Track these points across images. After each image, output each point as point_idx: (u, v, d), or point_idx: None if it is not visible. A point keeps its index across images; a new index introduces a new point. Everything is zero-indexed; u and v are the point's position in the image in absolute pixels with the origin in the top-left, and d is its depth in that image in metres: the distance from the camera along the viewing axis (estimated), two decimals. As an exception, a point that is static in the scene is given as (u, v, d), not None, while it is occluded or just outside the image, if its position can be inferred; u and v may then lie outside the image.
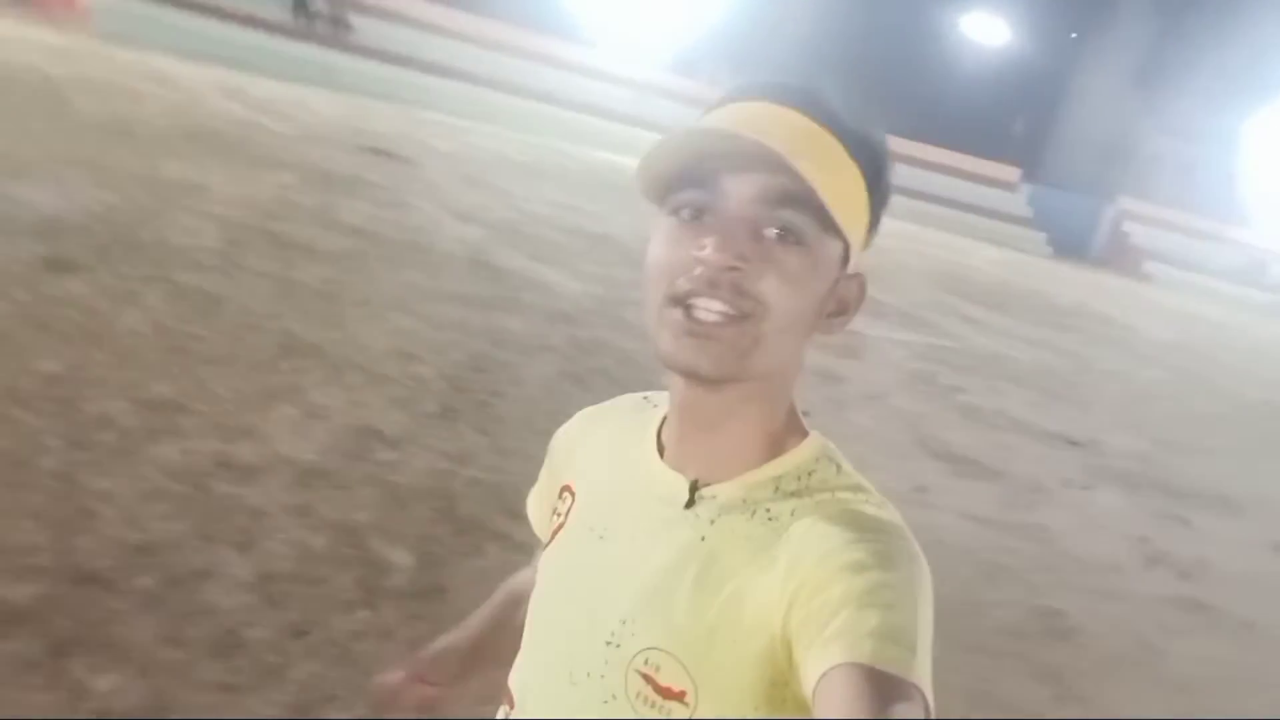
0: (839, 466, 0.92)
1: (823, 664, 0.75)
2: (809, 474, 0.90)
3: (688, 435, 0.94)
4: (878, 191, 0.91)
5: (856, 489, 0.89)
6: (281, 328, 6.02)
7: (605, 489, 1.00)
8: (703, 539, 0.89)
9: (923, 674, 0.76)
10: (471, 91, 26.85)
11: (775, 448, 0.92)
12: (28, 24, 18.86)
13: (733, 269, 0.84)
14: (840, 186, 0.85)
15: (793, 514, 0.87)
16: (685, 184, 0.87)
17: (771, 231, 0.85)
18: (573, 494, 1.05)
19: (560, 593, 1.00)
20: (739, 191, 0.85)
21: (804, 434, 0.94)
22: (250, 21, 24.51)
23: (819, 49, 39.45)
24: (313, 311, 6.51)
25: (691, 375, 0.88)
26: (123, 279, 5.99)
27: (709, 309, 0.85)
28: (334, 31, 26.97)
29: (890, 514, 0.88)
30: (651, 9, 36.59)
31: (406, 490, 4.45)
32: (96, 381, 4.56)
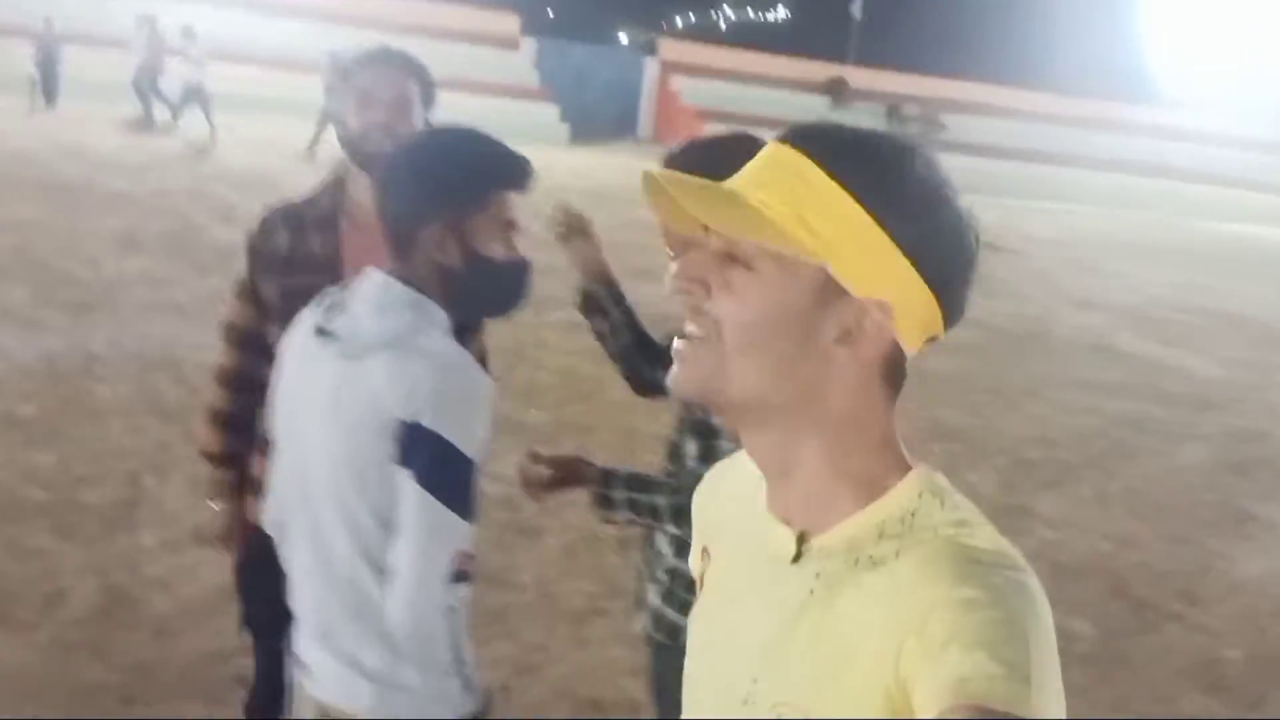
0: (943, 500, 0.86)
1: (936, 707, 0.73)
2: (912, 514, 0.85)
3: (771, 485, 0.93)
4: (903, 222, 0.83)
5: (961, 523, 0.84)
6: (928, 414, 6.55)
7: (731, 548, 1.00)
8: (811, 592, 0.87)
9: (1042, 707, 0.73)
10: (1065, 174, 26.13)
11: (871, 491, 0.87)
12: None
13: (686, 292, 0.86)
14: (802, 211, 0.82)
15: (897, 555, 0.83)
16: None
17: (720, 258, 0.86)
18: (709, 555, 1.04)
19: (703, 655, 1.01)
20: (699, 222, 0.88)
21: (906, 470, 0.88)
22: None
23: None
24: (950, 400, 6.97)
25: (680, 398, 0.92)
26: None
27: (681, 334, 0.87)
28: (926, 131, 28.05)
29: (998, 545, 0.83)
30: (1267, 63, 32.67)
31: (1073, 568, 4.64)
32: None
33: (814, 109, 27.73)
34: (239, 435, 2.14)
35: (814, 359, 0.84)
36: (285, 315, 1.91)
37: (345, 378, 1.42)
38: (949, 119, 28.42)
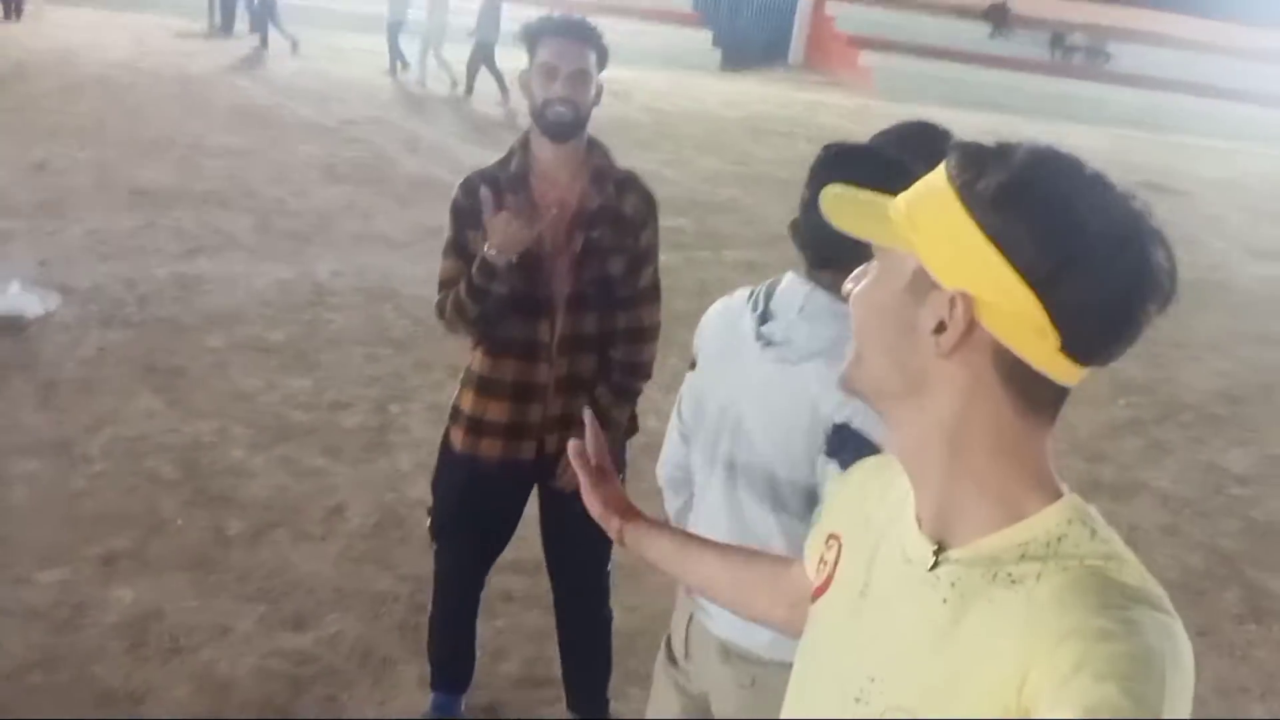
0: (1094, 531, 0.85)
1: None
2: (1059, 539, 0.84)
3: (915, 492, 0.94)
4: (984, 210, 0.84)
5: (1110, 556, 0.83)
6: (1109, 369, 6.51)
7: (869, 546, 1.00)
8: (944, 601, 0.87)
9: None
10: (1239, 110, 24.55)
11: (1012, 511, 0.86)
12: (821, 90, 22.11)
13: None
14: (893, 207, 0.90)
15: (1038, 578, 0.82)
16: None
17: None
18: (840, 544, 1.05)
19: (822, 645, 1.02)
20: None
21: (1055, 496, 0.87)
22: (1010, 63, 25.48)
23: None
24: (1132, 353, 6.89)
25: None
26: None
27: None
28: (1092, 62, 26.72)
29: (1145, 583, 0.81)
30: None
31: (1265, 525, 4.67)
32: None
33: (973, 36, 26.72)
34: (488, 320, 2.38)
35: (920, 351, 0.87)
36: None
37: (781, 379, 1.66)
38: (1115, 48, 27.01)
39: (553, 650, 2.86)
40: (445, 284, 2.40)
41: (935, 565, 0.90)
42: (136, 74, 12.21)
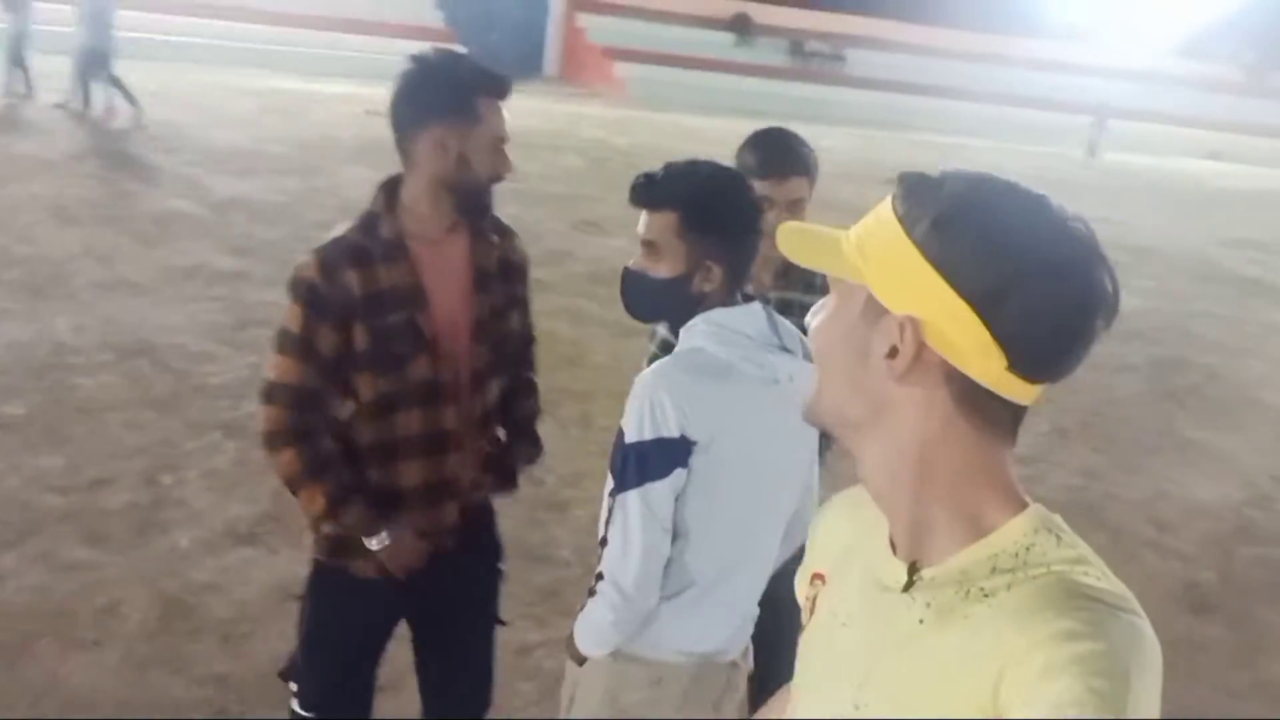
0: (1059, 538, 0.88)
1: None
2: (1027, 549, 0.86)
3: (886, 516, 0.96)
4: (927, 236, 0.86)
5: (1077, 561, 0.85)
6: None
7: (848, 576, 1.02)
8: (921, 622, 0.89)
9: None
10: (961, 108, 26.77)
11: (979, 527, 0.89)
12: (580, 101, 22.27)
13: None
14: (859, 239, 0.92)
15: (1008, 588, 0.84)
16: None
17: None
18: (824, 580, 1.07)
19: (809, 678, 1.05)
20: None
21: (1020, 508, 0.90)
22: (752, 70, 26.62)
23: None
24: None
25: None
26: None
27: None
28: (831, 67, 28.32)
29: (1113, 585, 0.84)
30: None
31: (1049, 502, 4.94)
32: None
33: (720, 45, 27.74)
34: (334, 474, 1.97)
35: (875, 375, 0.89)
36: (376, 359, 1.93)
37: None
38: (851, 54, 28.81)
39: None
40: (284, 395, 1.93)
41: (909, 586, 0.92)
42: None
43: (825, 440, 1.96)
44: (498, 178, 2.00)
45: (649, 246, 1.79)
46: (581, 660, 1.82)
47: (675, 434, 1.66)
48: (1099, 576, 0.84)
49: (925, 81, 27.66)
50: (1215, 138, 29.05)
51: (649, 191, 1.79)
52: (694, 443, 1.68)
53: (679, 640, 1.79)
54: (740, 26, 28.28)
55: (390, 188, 2.00)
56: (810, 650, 1.05)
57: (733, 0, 28.82)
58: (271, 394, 1.93)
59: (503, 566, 2.35)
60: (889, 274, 0.88)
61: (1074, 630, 0.78)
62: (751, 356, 1.73)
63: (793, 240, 0.97)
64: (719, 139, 17.91)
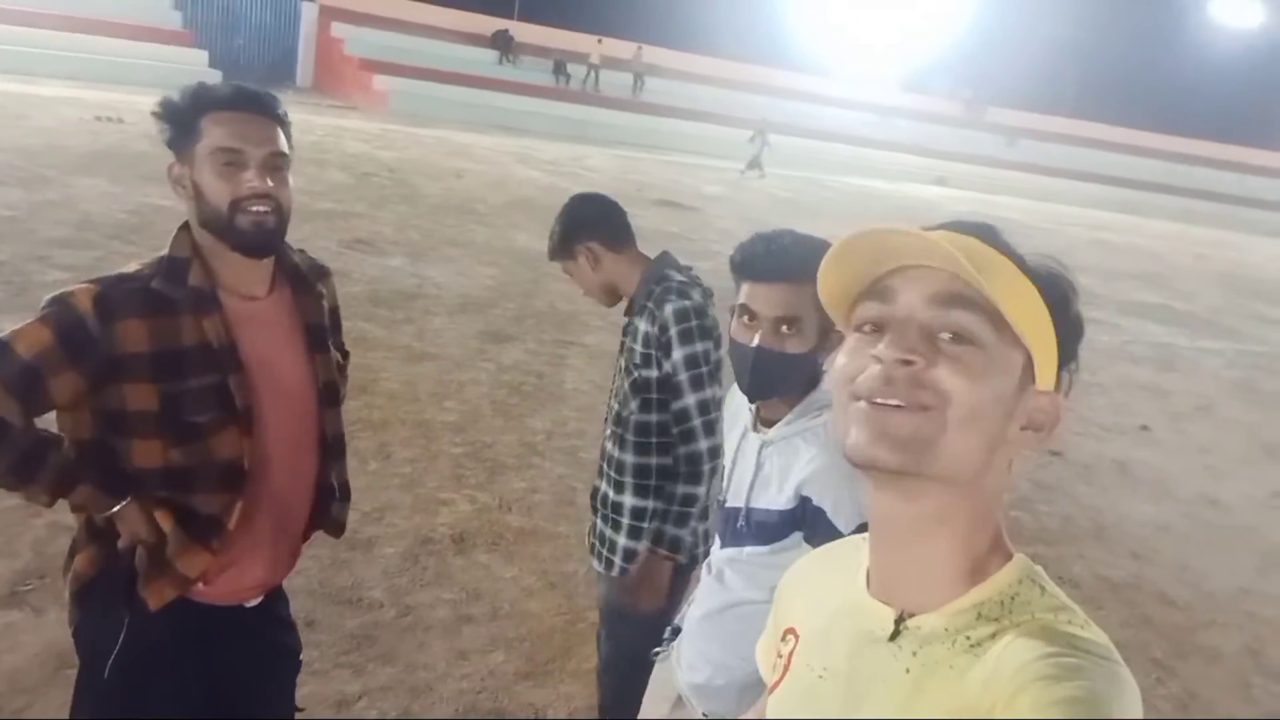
0: (1043, 589, 0.89)
1: None
2: (1012, 598, 0.88)
3: (888, 560, 0.94)
4: (1064, 319, 0.90)
5: (1060, 609, 0.87)
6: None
7: (823, 627, 1.00)
8: (907, 671, 0.88)
9: None
10: (719, 132, 27.92)
11: (978, 574, 0.90)
12: (340, 114, 21.50)
13: (906, 363, 0.85)
14: (1015, 296, 0.87)
15: (993, 637, 0.85)
16: (865, 297, 0.92)
17: (945, 335, 0.86)
18: (796, 636, 1.05)
19: None
20: (912, 294, 0.87)
21: (1008, 557, 0.91)
22: (518, 88, 26.64)
23: (1061, 50, 38.24)
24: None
25: (873, 466, 0.86)
26: (545, 344, 7.11)
27: (887, 401, 0.85)
28: (590, 85, 28.73)
29: (1095, 634, 0.85)
30: (878, 32, 36.69)
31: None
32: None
33: (481, 61, 27.56)
34: (51, 465, 1.62)
35: (1007, 443, 0.88)
36: (169, 422, 1.65)
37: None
38: (610, 76, 29.39)
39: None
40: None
41: (895, 635, 0.91)
42: None
43: None
44: (243, 201, 1.66)
45: (790, 322, 1.71)
46: None
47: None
48: (1082, 625, 0.85)
49: (687, 106, 28.65)
50: (940, 165, 31.84)
51: (785, 263, 1.69)
52: None
53: None
54: (502, 44, 28.26)
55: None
56: (785, 705, 1.02)
57: (496, 18, 28.79)
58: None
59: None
60: (1042, 348, 0.89)
61: (1058, 675, 0.78)
62: None
63: (946, 257, 0.87)
64: (485, 156, 17.77)
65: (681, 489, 2.33)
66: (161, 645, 1.75)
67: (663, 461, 2.40)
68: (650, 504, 2.43)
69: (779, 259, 1.73)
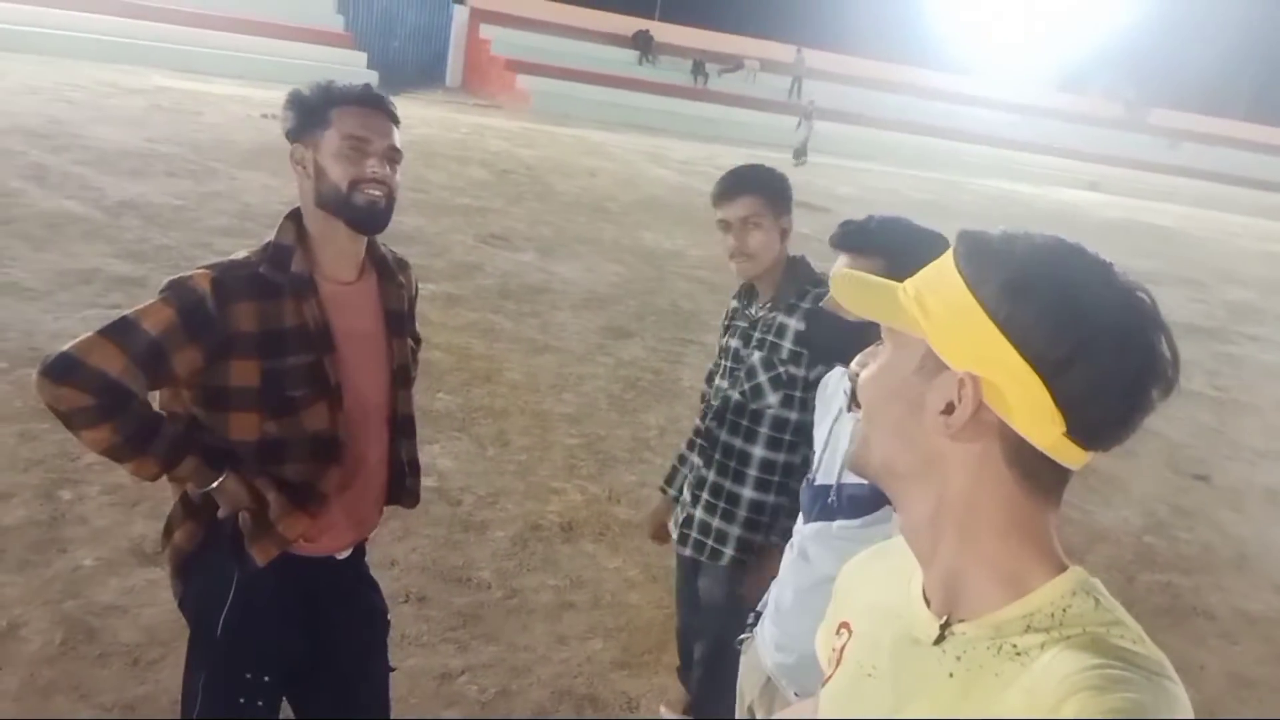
0: (1098, 601, 0.87)
1: None
2: (1064, 610, 0.86)
3: (922, 568, 0.96)
4: (991, 296, 0.86)
5: (1114, 624, 0.85)
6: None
7: (876, 627, 1.02)
8: (951, 675, 0.89)
9: None
10: (858, 132, 27.50)
11: (1018, 586, 0.88)
12: (484, 113, 22.12)
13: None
14: (864, 288, 0.97)
15: (1041, 647, 0.84)
16: None
17: None
18: (850, 631, 1.07)
19: None
20: None
21: (1060, 568, 0.89)
22: (656, 88, 26.85)
23: (1235, 50, 36.15)
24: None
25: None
26: (664, 341, 7.21)
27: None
28: (737, 79, 28.63)
29: (1150, 650, 0.83)
30: (1029, 30, 35.42)
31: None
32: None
33: (623, 61, 27.92)
34: (162, 437, 1.76)
35: (928, 431, 0.89)
36: (268, 397, 1.80)
37: None
38: (752, 76, 29.30)
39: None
40: (92, 381, 1.66)
41: (941, 639, 0.91)
42: None
43: None
44: (361, 182, 1.84)
45: None
46: None
47: None
48: (1135, 640, 0.83)
49: (824, 106, 28.33)
50: (1094, 169, 30.54)
51: (860, 236, 1.89)
52: None
53: None
54: (643, 44, 28.55)
55: (297, 218, 1.92)
56: (835, 700, 1.04)
57: (637, 18, 29.10)
58: (72, 372, 1.65)
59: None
60: (951, 331, 0.87)
61: (1105, 686, 0.77)
62: None
63: (848, 288, 0.97)
64: (619, 155, 17.96)
65: None
66: (269, 597, 1.94)
67: (790, 459, 2.48)
68: (770, 499, 2.49)
69: (857, 233, 1.87)
